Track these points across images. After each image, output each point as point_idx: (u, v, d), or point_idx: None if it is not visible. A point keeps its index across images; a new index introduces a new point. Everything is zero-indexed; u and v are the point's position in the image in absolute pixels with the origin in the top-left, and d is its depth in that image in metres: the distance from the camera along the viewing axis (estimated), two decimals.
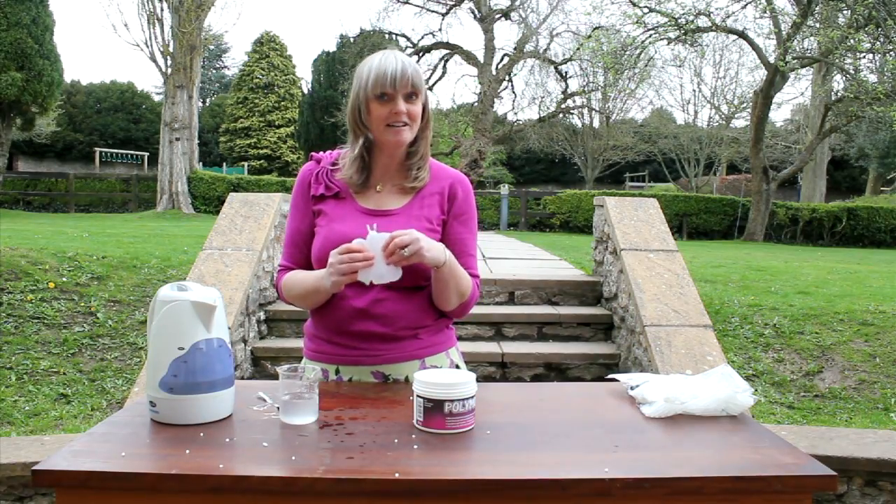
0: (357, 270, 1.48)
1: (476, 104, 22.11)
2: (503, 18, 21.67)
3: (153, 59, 17.00)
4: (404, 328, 1.64)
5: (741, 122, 26.98)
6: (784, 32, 14.91)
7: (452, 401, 1.32)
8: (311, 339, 1.73)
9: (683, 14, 14.97)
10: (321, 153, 1.76)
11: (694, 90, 39.66)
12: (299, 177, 1.74)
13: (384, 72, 1.56)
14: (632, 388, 1.58)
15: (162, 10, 16.79)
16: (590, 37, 17.97)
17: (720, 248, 12.77)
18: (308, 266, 1.70)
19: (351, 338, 1.64)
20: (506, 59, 21.65)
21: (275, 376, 1.44)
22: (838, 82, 17.95)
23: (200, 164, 20.64)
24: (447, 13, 21.71)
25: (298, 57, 57.33)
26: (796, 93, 46.94)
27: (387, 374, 1.67)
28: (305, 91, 30.00)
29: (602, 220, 5.57)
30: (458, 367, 1.75)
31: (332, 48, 28.17)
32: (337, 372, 1.69)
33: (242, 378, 4.18)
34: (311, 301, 1.65)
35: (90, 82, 34.77)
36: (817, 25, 14.98)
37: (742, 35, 15.96)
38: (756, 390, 4.29)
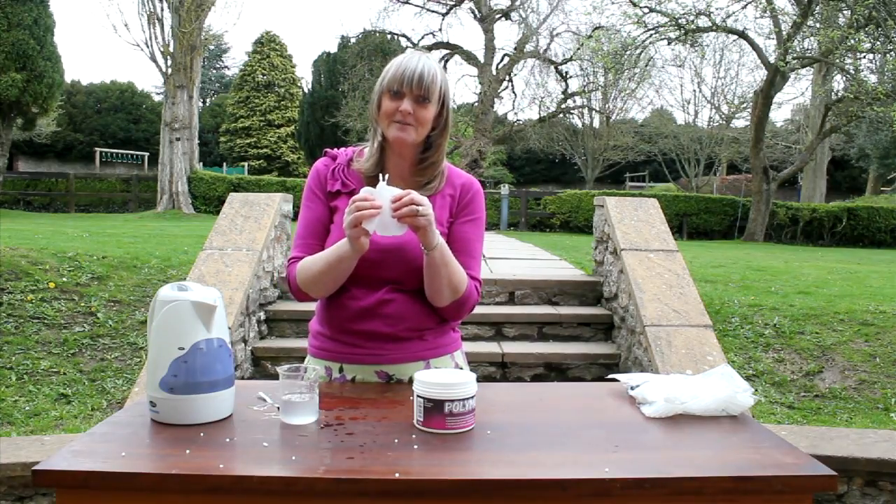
0: (363, 219, 1.43)
1: (476, 104, 22.13)
2: (503, 18, 21.70)
3: (153, 59, 17.00)
4: (409, 329, 1.64)
5: (741, 122, 27.02)
6: (784, 32, 14.91)
7: (452, 401, 1.32)
8: (315, 337, 1.73)
9: (684, 14, 14.97)
10: (336, 150, 1.75)
11: (694, 90, 39.73)
12: (314, 170, 1.71)
13: (402, 70, 1.58)
14: (632, 388, 1.58)
15: (162, 10, 16.79)
16: (590, 37, 17.98)
17: (720, 248, 12.77)
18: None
19: (356, 336, 1.64)
20: (506, 59, 21.68)
21: (275, 376, 1.44)
22: (838, 82, 17.96)
23: (200, 164, 20.63)
24: (447, 13, 21.74)
25: (298, 57, 57.37)
26: (796, 93, 47.01)
27: (391, 374, 1.67)
28: (306, 91, 30.02)
29: (602, 220, 5.57)
30: (460, 370, 1.75)
31: (333, 48, 28.22)
32: (341, 370, 1.68)
33: (242, 378, 4.18)
34: (332, 275, 1.58)
35: (90, 82, 34.79)
36: (817, 25, 14.97)
37: (742, 35, 15.96)
38: (756, 390, 4.29)
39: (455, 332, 1.76)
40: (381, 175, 1.49)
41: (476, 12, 21.45)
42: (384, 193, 1.44)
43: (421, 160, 1.66)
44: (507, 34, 62.91)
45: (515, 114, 24.89)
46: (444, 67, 22.00)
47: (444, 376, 1.37)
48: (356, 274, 1.59)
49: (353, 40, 24.13)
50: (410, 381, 1.65)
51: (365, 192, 1.45)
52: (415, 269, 1.59)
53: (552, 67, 22.42)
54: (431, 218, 1.46)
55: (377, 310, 1.61)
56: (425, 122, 1.60)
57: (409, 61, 1.59)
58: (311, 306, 1.76)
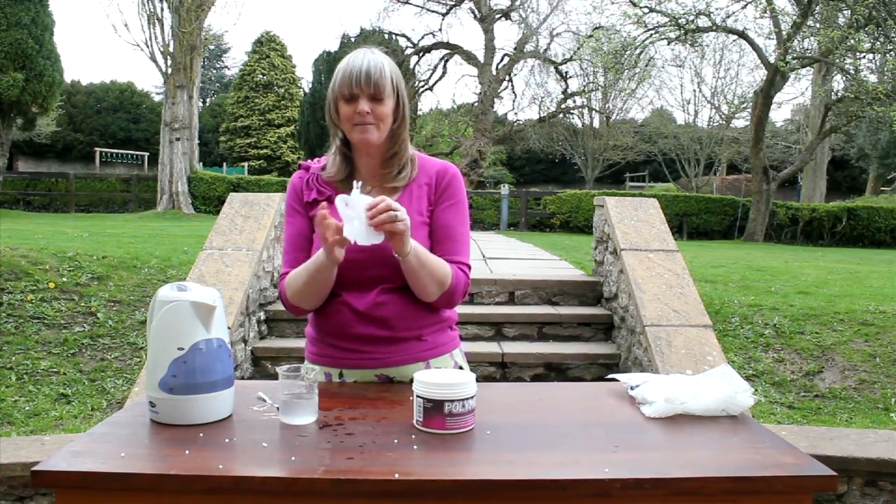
0: (331, 228, 1.43)
1: (476, 104, 22.13)
2: (503, 18, 21.71)
3: (153, 59, 17.00)
4: (406, 329, 1.63)
5: (741, 122, 27.01)
6: (784, 32, 14.91)
7: (452, 401, 1.32)
8: (312, 343, 1.73)
9: (684, 14, 14.96)
10: (309, 161, 1.76)
11: (694, 90, 39.71)
12: (290, 185, 1.73)
13: (349, 72, 1.57)
14: (632, 388, 1.58)
15: (162, 10, 16.79)
16: (590, 37, 17.98)
17: (720, 248, 12.77)
18: None
19: (353, 341, 1.63)
20: (506, 59, 21.69)
21: (275, 376, 1.44)
22: (838, 82, 17.96)
23: (200, 164, 20.64)
24: (447, 13, 21.74)
25: (298, 57, 57.46)
26: (796, 93, 46.98)
27: (391, 377, 1.67)
28: (306, 91, 30.02)
29: (602, 220, 5.57)
30: (461, 368, 1.74)
31: (333, 48, 28.19)
32: (340, 375, 1.68)
33: (242, 378, 4.18)
34: (315, 286, 1.59)
35: (90, 82, 34.77)
36: (817, 25, 14.97)
37: (742, 35, 15.96)
38: (756, 390, 4.29)
39: (453, 331, 1.75)
40: (354, 182, 1.47)
41: (476, 12, 21.45)
42: (359, 203, 1.43)
43: (386, 151, 1.66)
44: (507, 34, 63.08)
45: (515, 114, 24.95)
46: (444, 67, 22.11)
47: (443, 376, 1.37)
48: (345, 278, 1.60)
49: (353, 39, 24.13)
50: (411, 381, 1.65)
51: (340, 200, 1.44)
52: (398, 268, 1.58)
53: (552, 67, 22.42)
54: (408, 223, 1.46)
55: (372, 312, 1.61)
56: (385, 117, 1.59)
57: (355, 61, 1.58)
58: None
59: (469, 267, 1.68)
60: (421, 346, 1.66)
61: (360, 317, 1.61)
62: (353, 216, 1.43)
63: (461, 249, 1.67)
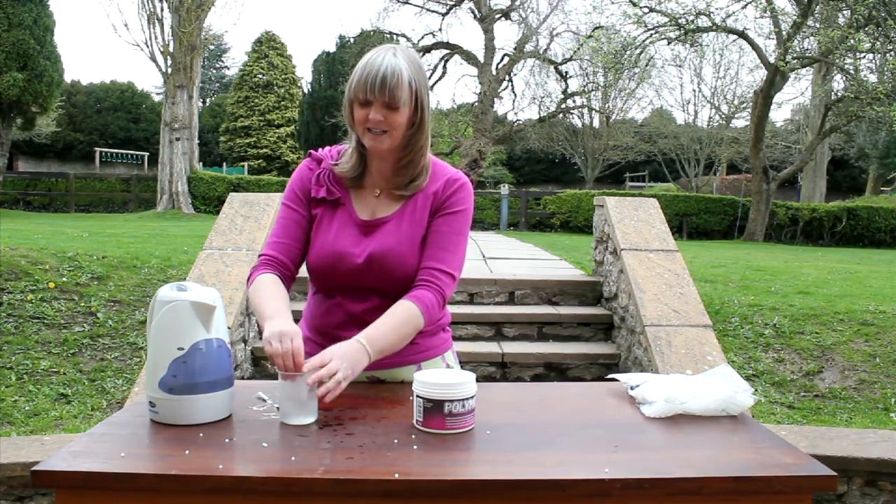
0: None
1: (476, 104, 22.12)
2: (503, 18, 21.69)
3: (153, 59, 17.01)
4: None
5: (741, 122, 27.02)
6: (784, 32, 14.91)
7: (452, 401, 1.32)
8: (305, 343, 1.71)
9: (683, 14, 14.97)
10: (321, 152, 1.70)
11: (694, 90, 39.76)
12: (300, 173, 1.68)
13: (365, 76, 1.50)
14: (632, 388, 1.58)
15: (162, 10, 16.80)
16: (590, 37, 17.99)
17: (720, 248, 12.77)
18: (293, 259, 1.64)
19: None
20: (506, 59, 21.67)
21: (275, 376, 1.44)
22: (838, 82, 17.96)
23: (200, 164, 20.64)
24: (447, 13, 21.73)
25: (298, 57, 57.46)
26: (796, 93, 46.88)
27: (381, 379, 1.67)
28: (306, 91, 30.04)
29: (602, 220, 5.57)
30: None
31: (333, 48, 28.22)
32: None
33: (242, 378, 4.18)
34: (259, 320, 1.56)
35: (90, 82, 34.81)
36: (817, 25, 14.98)
37: (742, 35, 15.96)
38: (756, 390, 4.29)
39: (445, 332, 1.74)
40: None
41: (476, 12, 21.44)
42: (302, 386, 1.37)
43: (400, 159, 1.61)
44: (507, 34, 63.15)
45: (515, 114, 24.92)
46: (444, 67, 22.08)
47: (443, 376, 1.37)
48: (343, 284, 1.59)
49: (351, 41, 24.15)
50: (401, 383, 1.66)
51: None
52: (399, 278, 1.57)
53: (552, 67, 22.42)
54: (346, 377, 1.41)
55: (367, 317, 1.59)
56: (398, 126, 1.53)
57: (373, 64, 1.49)
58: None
59: (450, 275, 1.59)
60: (412, 349, 1.64)
61: (355, 319, 1.60)
62: (291, 397, 1.38)
63: (445, 257, 1.59)
